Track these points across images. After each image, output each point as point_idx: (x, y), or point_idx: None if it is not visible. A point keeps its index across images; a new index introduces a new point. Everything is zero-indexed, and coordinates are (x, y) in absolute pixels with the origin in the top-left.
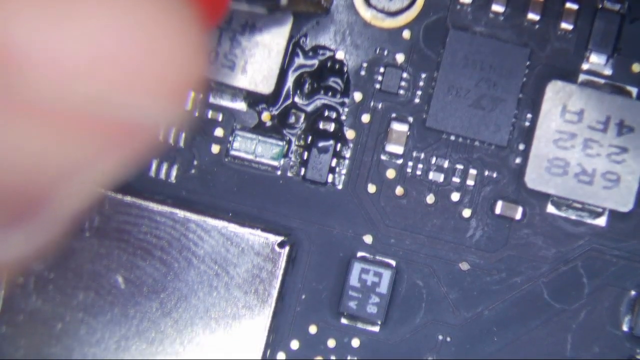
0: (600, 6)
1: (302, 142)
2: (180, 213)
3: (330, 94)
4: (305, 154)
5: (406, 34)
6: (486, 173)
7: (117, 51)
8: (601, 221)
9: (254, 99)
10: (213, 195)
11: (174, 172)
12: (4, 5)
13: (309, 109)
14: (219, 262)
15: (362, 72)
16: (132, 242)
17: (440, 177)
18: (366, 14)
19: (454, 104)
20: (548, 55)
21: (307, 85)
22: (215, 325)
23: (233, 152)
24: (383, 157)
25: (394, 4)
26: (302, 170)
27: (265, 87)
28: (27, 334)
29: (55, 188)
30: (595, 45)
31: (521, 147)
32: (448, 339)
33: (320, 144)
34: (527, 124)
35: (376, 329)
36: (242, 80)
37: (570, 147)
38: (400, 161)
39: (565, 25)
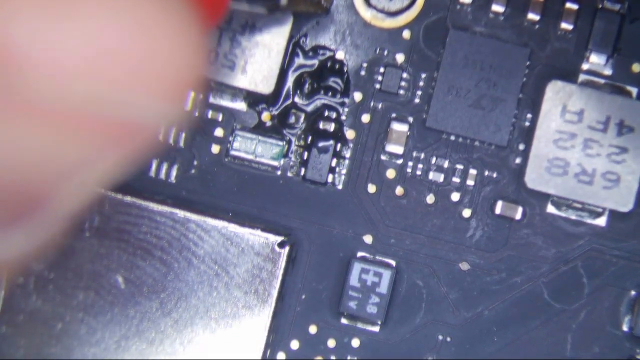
0: (600, 6)
1: (302, 142)
2: (180, 213)
3: (330, 94)
4: (305, 154)
5: (406, 34)
6: (486, 173)
7: (116, 51)
8: (601, 221)
9: (254, 99)
10: (213, 195)
11: (174, 172)
12: (4, 5)
13: (309, 109)
14: (219, 262)
15: (362, 72)
16: (132, 242)
17: (440, 177)
18: (366, 14)
19: (454, 104)
20: (548, 55)
21: (307, 85)
22: (215, 325)
23: (233, 152)
24: (383, 157)
25: (394, 4)
26: (302, 170)
27: (265, 87)
28: (27, 334)
29: (55, 188)
30: (595, 45)
31: (521, 147)
32: (448, 339)
33: (320, 144)
34: (527, 124)
35: (376, 329)
36: (242, 80)
37: (570, 147)
38: (400, 161)
39: (565, 25)
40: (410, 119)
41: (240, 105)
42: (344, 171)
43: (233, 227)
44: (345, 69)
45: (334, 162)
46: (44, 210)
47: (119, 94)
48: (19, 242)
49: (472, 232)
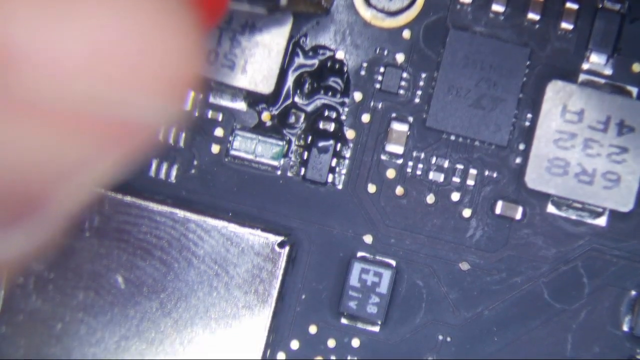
0: (600, 6)
1: (302, 142)
2: (180, 213)
3: (330, 93)
4: (305, 153)
5: (406, 33)
6: (486, 173)
7: (116, 50)
8: (601, 221)
9: (254, 98)
10: (213, 195)
11: (174, 172)
12: (3, 5)
13: (309, 108)
14: (219, 262)
15: (362, 72)
16: (132, 242)
17: (441, 177)
18: (366, 13)
19: (454, 104)
20: (548, 55)
21: (307, 85)
22: (215, 325)
23: (233, 152)
24: (383, 157)
25: (394, 4)
26: (302, 170)
27: (265, 87)
28: (27, 334)
29: (54, 188)
30: (596, 45)
31: (521, 147)
32: (448, 339)
33: (320, 144)
34: (527, 123)
35: (376, 329)
36: (242, 80)
37: (570, 147)
38: (400, 161)
39: (566, 25)
40: (410, 119)
41: (240, 105)
42: (344, 171)
43: (233, 227)
44: (345, 69)
45: (334, 162)
46: (44, 210)
47: (118, 94)
48: (19, 242)
49: (472, 232)
